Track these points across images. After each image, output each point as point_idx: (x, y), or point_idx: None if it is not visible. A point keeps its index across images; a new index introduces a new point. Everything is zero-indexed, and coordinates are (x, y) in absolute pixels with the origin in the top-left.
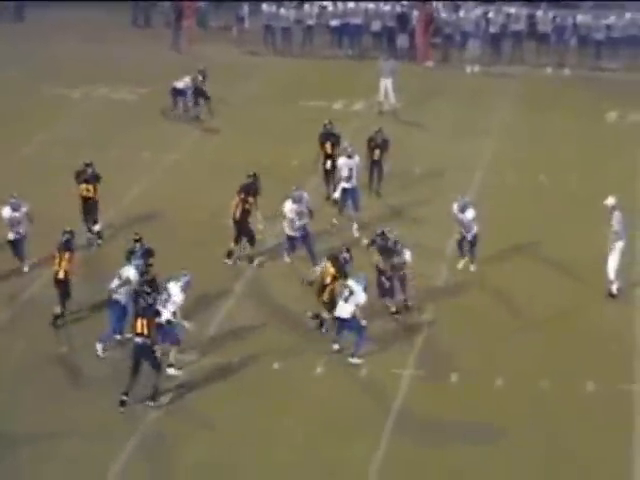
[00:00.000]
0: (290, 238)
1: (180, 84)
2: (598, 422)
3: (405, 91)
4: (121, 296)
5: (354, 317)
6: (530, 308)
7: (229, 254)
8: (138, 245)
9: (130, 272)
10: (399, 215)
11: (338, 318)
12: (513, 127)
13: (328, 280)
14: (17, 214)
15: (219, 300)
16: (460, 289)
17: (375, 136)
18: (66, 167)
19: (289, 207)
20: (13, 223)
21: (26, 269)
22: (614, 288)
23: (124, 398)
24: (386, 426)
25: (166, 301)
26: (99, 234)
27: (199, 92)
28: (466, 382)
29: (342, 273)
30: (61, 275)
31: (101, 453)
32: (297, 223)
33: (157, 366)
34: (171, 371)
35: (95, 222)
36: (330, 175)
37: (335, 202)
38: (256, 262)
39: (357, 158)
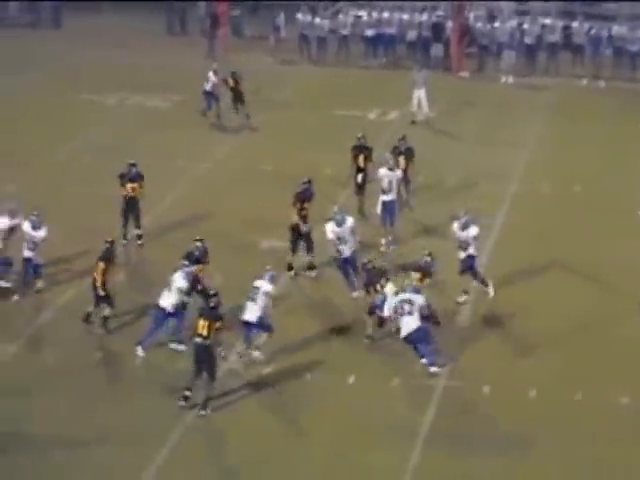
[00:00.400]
0: (336, 260)
1: (208, 86)
2: (631, 435)
3: (439, 101)
4: (168, 304)
5: (421, 326)
6: (563, 319)
7: (310, 267)
8: (199, 244)
9: (180, 282)
10: (429, 228)
11: (406, 339)
12: (548, 138)
13: (417, 283)
14: (35, 233)
15: None
16: (492, 301)
17: (399, 144)
18: (99, 173)
19: (330, 228)
20: (29, 241)
21: (16, 297)
22: None
23: (187, 394)
24: (418, 437)
25: (255, 295)
26: (140, 236)
27: (238, 96)
28: (498, 394)
29: (429, 275)
30: (98, 283)
31: (134, 460)
32: (339, 247)
33: (212, 372)
34: (256, 354)
35: (138, 227)
36: (362, 189)
37: (363, 215)
38: (293, 272)
39: (399, 172)
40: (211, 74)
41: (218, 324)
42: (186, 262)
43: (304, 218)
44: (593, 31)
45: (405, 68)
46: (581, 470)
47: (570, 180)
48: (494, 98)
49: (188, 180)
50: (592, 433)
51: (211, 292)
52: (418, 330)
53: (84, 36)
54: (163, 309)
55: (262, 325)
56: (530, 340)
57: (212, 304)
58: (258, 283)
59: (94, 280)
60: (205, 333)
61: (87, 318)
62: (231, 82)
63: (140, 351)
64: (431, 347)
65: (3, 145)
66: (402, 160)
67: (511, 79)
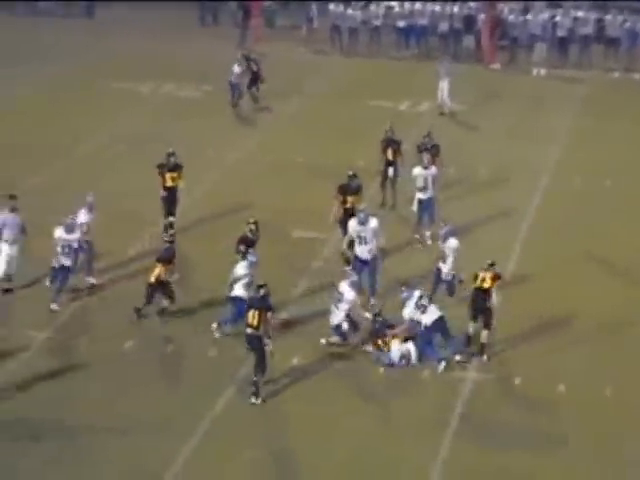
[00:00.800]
0: (356, 258)
1: (232, 78)
2: None
3: (471, 93)
4: (240, 291)
5: (442, 315)
6: (593, 315)
7: (347, 261)
8: (252, 226)
9: (239, 271)
10: (460, 223)
11: (432, 327)
12: (579, 131)
13: (488, 283)
14: (69, 237)
15: (283, 299)
16: (523, 294)
17: (424, 141)
18: (133, 162)
19: (352, 225)
20: (65, 246)
21: (55, 307)
22: None
23: (255, 379)
24: (448, 429)
25: (339, 301)
26: (171, 225)
27: (257, 77)
28: (529, 387)
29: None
30: (152, 280)
31: (162, 448)
32: (357, 246)
33: (261, 362)
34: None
35: (172, 214)
36: (391, 183)
37: (393, 208)
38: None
39: (433, 169)
40: (235, 66)
41: (269, 314)
42: (244, 248)
43: (347, 211)
44: (628, 24)
45: (437, 59)
46: (611, 465)
47: (602, 175)
48: (525, 91)
49: (219, 170)
50: (622, 428)
51: (263, 283)
52: (441, 319)
53: (117, 26)
54: (238, 298)
55: (339, 332)
56: (559, 335)
57: (262, 293)
58: (342, 288)
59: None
60: (255, 323)
61: (162, 312)
62: (254, 67)
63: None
64: (451, 337)
65: (36, 134)
66: (427, 157)
67: (543, 72)
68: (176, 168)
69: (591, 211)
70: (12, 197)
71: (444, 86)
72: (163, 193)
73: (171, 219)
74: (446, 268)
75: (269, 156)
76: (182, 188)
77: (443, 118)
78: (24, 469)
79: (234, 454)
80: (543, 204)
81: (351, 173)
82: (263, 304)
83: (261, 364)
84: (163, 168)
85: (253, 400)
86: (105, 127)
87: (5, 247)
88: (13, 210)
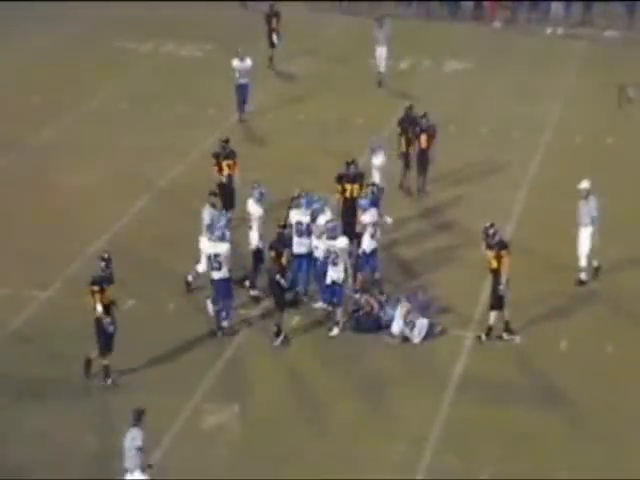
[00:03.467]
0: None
1: (238, 77)
2: None
3: (471, 52)
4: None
5: None
6: (597, 274)
7: None
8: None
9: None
10: (461, 178)
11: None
12: (582, 89)
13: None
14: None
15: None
16: (523, 253)
17: (420, 121)
18: (135, 120)
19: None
20: (214, 260)
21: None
22: (583, 275)
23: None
24: (448, 387)
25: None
26: (229, 220)
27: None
28: (530, 345)
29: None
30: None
31: (169, 404)
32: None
33: (277, 303)
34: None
35: (232, 206)
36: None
37: (401, 187)
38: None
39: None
40: (236, 60)
41: (283, 257)
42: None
43: (347, 200)
44: None
45: (437, 18)
46: (611, 421)
47: (604, 132)
48: (527, 49)
49: (221, 129)
50: (622, 385)
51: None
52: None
53: None
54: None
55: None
56: (560, 293)
57: (277, 235)
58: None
59: None
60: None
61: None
62: (274, 22)
63: None
64: None
65: (39, 92)
66: (423, 138)
67: (560, 30)
68: (231, 155)
69: (592, 167)
70: (212, 194)
71: (382, 52)
72: (222, 180)
73: (229, 215)
74: (336, 273)
75: (270, 115)
76: (238, 177)
77: (444, 76)
78: (29, 426)
79: (240, 403)
80: (545, 160)
81: (349, 160)
82: (277, 246)
83: (277, 305)
84: (219, 157)
85: (276, 342)
86: (109, 86)
87: (209, 245)
88: (213, 206)
